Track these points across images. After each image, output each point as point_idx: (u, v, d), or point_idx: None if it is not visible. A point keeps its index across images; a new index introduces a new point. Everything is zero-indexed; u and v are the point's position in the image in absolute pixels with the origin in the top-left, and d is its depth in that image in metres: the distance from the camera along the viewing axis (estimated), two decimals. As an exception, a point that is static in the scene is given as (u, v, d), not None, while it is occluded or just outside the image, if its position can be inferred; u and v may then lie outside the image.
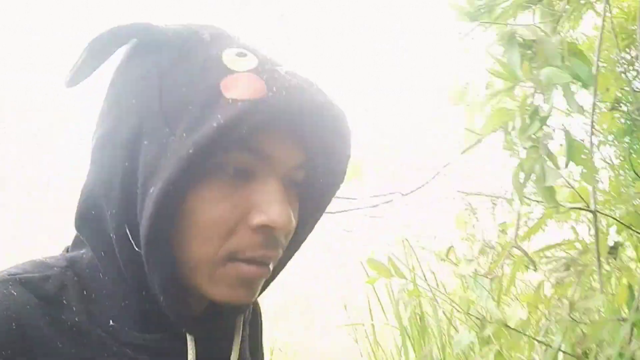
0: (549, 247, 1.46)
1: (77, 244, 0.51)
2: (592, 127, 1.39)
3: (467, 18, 1.04)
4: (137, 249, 0.44)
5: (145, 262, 0.44)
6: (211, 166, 0.43)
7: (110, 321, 0.46)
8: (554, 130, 1.13)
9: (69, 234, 0.53)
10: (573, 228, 1.61)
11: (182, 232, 0.44)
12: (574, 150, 1.14)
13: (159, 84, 0.44)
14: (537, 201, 1.42)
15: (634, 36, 1.63)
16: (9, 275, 0.44)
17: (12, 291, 0.43)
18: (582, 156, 1.14)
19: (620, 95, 1.66)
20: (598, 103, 1.64)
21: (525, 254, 1.36)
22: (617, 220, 1.48)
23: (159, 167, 0.42)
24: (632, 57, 1.63)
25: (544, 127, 1.14)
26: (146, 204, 0.42)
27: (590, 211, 1.43)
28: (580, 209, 1.42)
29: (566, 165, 1.11)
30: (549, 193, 1.13)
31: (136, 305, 0.47)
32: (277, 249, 0.47)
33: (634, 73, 1.61)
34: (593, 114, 1.37)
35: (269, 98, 0.42)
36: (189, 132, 0.41)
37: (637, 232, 1.50)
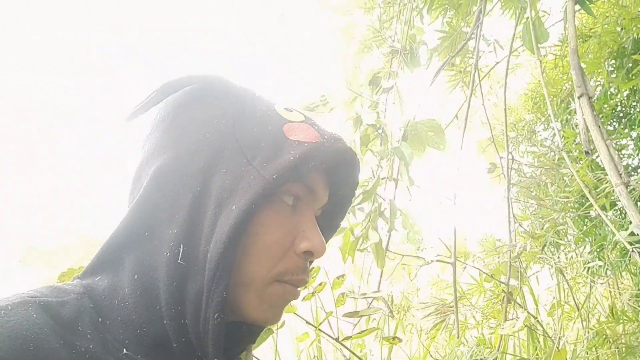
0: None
1: (90, 272, 0.51)
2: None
3: (306, 110, 1.23)
4: (187, 262, 0.47)
5: (209, 273, 0.46)
6: (279, 194, 0.51)
7: (124, 349, 0.46)
8: (384, 199, 1.32)
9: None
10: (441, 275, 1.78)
11: (243, 251, 0.48)
12: (403, 217, 1.33)
13: (233, 123, 0.51)
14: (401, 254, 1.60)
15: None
16: (29, 297, 0.45)
17: (32, 313, 0.43)
18: (409, 221, 1.33)
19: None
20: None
21: (386, 303, 1.54)
22: (479, 270, 1.66)
23: (236, 190, 0.48)
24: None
25: (378, 197, 1.33)
26: (221, 222, 0.47)
27: (450, 263, 1.60)
28: (441, 261, 1.59)
29: (389, 230, 1.30)
30: (378, 253, 1.32)
31: (153, 333, 0.47)
32: (308, 274, 0.54)
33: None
34: (456, 184, 1.54)
35: (325, 143, 0.52)
36: (268, 162, 0.49)
37: (499, 281, 1.67)
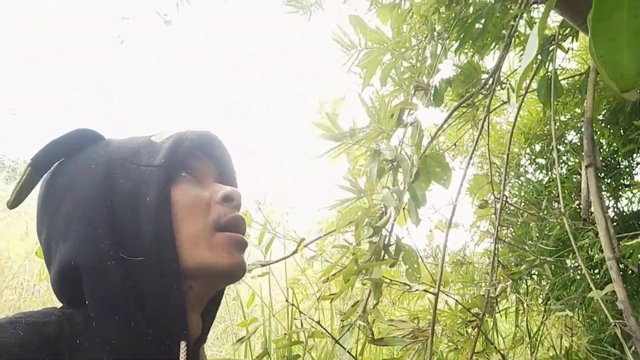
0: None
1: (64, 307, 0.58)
2: (449, 225, 1.62)
3: (333, 139, 1.24)
4: (132, 257, 0.55)
5: (152, 253, 0.55)
6: (176, 174, 0.61)
7: None
8: (389, 232, 1.35)
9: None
10: (430, 301, 1.86)
11: (175, 222, 0.58)
12: (405, 253, 1.37)
13: (110, 150, 0.62)
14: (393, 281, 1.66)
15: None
16: (16, 318, 0.50)
17: (20, 331, 0.48)
18: (411, 258, 1.37)
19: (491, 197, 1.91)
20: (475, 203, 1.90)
21: (369, 327, 1.60)
22: (456, 301, 1.74)
23: (140, 187, 0.58)
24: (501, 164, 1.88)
25: (384, 230, 1.36)
26: (143, 213, 0.56)
27: (433, 293, 1.67)
28: (425, 290, 1.66)
29: (391, 266, 1.34)
30: (377, 288, 1.35)
31: (126, 341, 0.53)
32: (240, 216, 0.64)
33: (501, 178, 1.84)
34: (451, 218, 1.59)
35: (187, 131, 0.65)
36: (153, 158, 0.60)
37: (472, 313, 1.76)
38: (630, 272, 2.02)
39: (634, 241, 1.80)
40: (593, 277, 1.91)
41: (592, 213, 1.37)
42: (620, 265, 1.48)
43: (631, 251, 1.81)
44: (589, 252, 2.02)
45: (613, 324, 1.22)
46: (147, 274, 0.55)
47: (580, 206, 2.21)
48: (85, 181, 0.59)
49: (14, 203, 0.59)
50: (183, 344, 0.55)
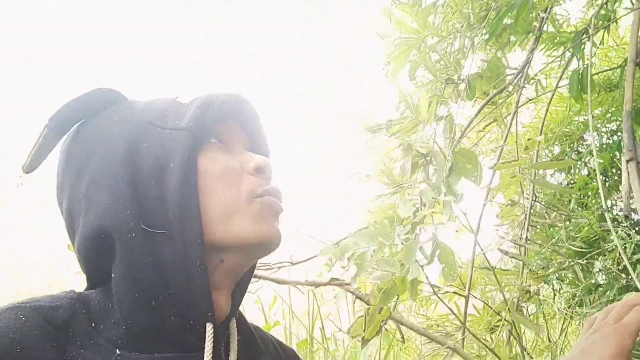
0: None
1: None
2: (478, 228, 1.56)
3: (369, 132, 1.19)
4: (153, 230, 0.51)
5: (176, 224, 0.50)
6: (204, 139, 0.56)
7: (117, 350, 0.48)
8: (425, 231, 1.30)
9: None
10: (456, 304, 1.79)
11: (205, 191, 0.53)
12: (442, 252, 1.31)
13: (132, 111, 0.58)
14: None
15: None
16: (19, 303, 0.47)
17: (21, 316, 0.45)
18: (448, 257, 1.32)
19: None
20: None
21: (399, 328, 1.54)
22: (487, 305, 1.68)
23: (165, 152, 0.53)
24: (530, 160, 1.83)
25: (420, 227, 1.30)
26: (167, 181, 0.52)
27: (464, 296, 1.60)
28: (455, 293, 1.60)
29: (428, 263, 1.28)
30: (414, 286, 1.29)
31: (146, 321, 0.49)
32: (275, 185, 0.59)
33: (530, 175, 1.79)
34: (481, 216, 1.54)
35: (215, 92, 0.59)
36: (179, 120, 0.55)
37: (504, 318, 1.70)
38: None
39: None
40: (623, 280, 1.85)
41: (634, 209, 1.31)
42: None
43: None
44: (617, 254, 1.96)
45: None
46: (170, 247, 0.51)
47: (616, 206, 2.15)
48: (107, 146, 0.55)
49: (29, 167, 0.55)
50: (209, 327, 0.51)
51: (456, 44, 1.59)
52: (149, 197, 0.52)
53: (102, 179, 0.53)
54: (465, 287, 1.71)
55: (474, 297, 1.70)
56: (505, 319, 1.66)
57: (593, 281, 2.26)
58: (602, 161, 1.92)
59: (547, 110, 1.75)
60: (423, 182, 1.21)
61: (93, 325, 0.49)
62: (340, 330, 1.49)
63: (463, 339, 1.57)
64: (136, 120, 0.56)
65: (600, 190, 1.35)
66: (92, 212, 0.52)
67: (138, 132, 0.55)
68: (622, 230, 1.96)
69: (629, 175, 1.33)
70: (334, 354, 1.83)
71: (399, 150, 1.25)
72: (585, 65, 1.59)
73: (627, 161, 1.33)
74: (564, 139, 2.68)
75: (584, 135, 2.75)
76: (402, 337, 1.54)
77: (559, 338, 2.47)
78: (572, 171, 2.57)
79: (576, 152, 2.55)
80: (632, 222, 1.67)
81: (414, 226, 1.21)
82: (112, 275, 0.51)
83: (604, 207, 1.33)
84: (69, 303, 0.49)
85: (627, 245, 1.78)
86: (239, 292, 0.61)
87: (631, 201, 1.33)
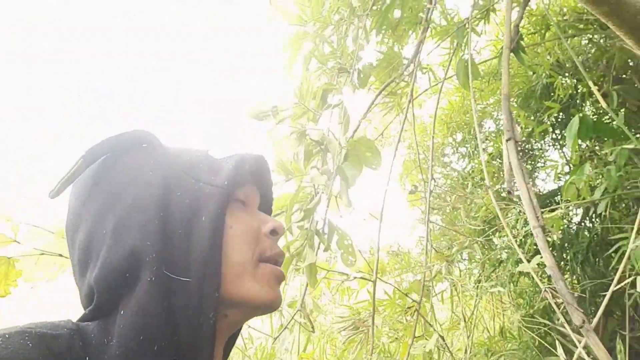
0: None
1: (81, 320, 0.54)
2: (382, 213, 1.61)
3: (256, 119, 1.17)
4: (176, 276, 0.52)
5: (196, 277, 0.52)
6: (231, 198, 0.58)
7: None
8: (321, 218, 1.31)
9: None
10: (369, 292, 1.83)
11: (225, 247, 0.55)
12: (340, 237, 1.33)
13: (169, 159, 0.59)
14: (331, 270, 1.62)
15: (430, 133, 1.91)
16: (26, 328, 0.48)
17: (29, 342, 0.46)
18: (345, 242, 1.33)
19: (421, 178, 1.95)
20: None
21: (308, 319, 1.54)
22: (395, 287, 1.73)
23: (198, 204, 0.55)
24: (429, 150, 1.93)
25: (314, 215, 1.31)
26: (196, 233, 0.54)
27: (371, 280, 1.64)
28: (363, 278, 1.63)
29: (325, 250, 1.29)
30: (312, 273, 1.30)
31: None
32: (281, 250, 0.63)
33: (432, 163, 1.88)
34: (384, 203, 1.58)
35: (246, 153, 0.63)
36: (214, 176, 0.58)
37: (411, 298, 1.76)
38: (553, 244, 2.13)
39: (553, 214, 1.89)
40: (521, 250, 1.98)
41: (515, 184, 1.40)
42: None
43: (552, 225, 1.90)
44: (514, 230, 2.11)
45: (543, 290, 1.24)
46: (186, 296, 0.52)
47: (503, 187, 2.30)
48: (139, 188, 0.57)
49: (57, 193, 0.57)
50: None
51: (349, 36, 1.62)
52: (175, 245, 0.53)
53: (132, 219, 0.54)
54: (376, 271, 1.75)
55: (383, 281, 1.74)
56: (413, 300, 1.71)
57: (498, 256, 2.41)
58: (490, 144, 2.05)
59: (439, 98, 1.84)
60: (314, 167, 1.21)
61: (87, 359, 0.49)
62: (249, 326, 1.47)
63: (373, 323, 1.60)
64: (171, 168, 0.59)
65: (485, 171, 1.44)
66: (118, 249, 0.53)
67: (172, 181, 0.57)
68: (515, 208, 2.11)
69: (508, 153, 1.42)
70: (249, 351, 1.80)
71: (292, 137, 1.25)
72: (469, 54, 1.68)
73: (507, 140, 1.42)
74: (464, 126, 2.84)
75: (482, 122, 2.93)
76: (312, 327, 1.54)
77: (473, 313, 2.61)
78: (472, 156, 2.72)
79: (476, 139, 2.70)
80: (519, 197, 1.79)
81: (307, 213, 1.21)
82: (121, 312, 0.51)
83: (487, 184, 1.41)
84: (68, 334, 0.49)
85: (517, 220, 1.92)
86: (229, 344, 0.65)
87: (512, 177, 1.43)
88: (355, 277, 1.65)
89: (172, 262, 0.53)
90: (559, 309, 1.25)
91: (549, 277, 1.28)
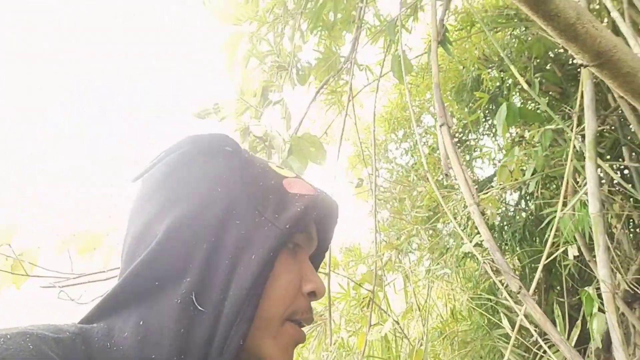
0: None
1: (85, 320, 0.52)
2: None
3: (198, 117, 1.19)
4: (201, 308, 0.48)
5: (227, 319, 0.48)
6: (288, 242, 0.54)
7: None
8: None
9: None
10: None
11: (262, 295, 0.51)
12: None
13: (241, 178, 0.55)
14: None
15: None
16: (27, 329, 0.46)
17: (29, 344, 0.44)
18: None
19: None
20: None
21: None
22: (349, 279, 1.78)
23: (252, 240, 0.51)
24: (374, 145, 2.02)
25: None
26: (240, 270, 0.49)
27: (325, 274, 1.68)
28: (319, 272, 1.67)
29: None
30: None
31: None
32: (312, 314, 0.57)
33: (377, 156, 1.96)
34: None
35: (319, 195, 0.57)
36: (278, 214, 0.53)
37: (365, 288, 1.81)
38: (492, 226, 2.26)
39: (489, 194, 2.01)
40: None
41: (451, 167, 1.49)
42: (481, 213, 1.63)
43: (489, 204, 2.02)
44: (457, 216, 2.21)
45: (482, 262, 1.33)
46: (209, 334, 0.49)
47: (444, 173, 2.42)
48: (204, 198, 0.53)
49: (137, 179, 0.57)
50: None
51: (287, 35, 1.66)
52: (215, 275, 0.50)
53: (184, 230, 0.52)
54: (329, 264, 1.79)
55: (336, 273, 1.79)
56: (368, 290, 1.76)
57: (445, 244, 2.52)
58: (430, 137, 2.15)
59: (376, 95, 1.92)
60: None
61: None
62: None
63: (330, 316, 1.64)
64: (241, 188, 0.55)
65: (423, 159, 1.52)
66: (159, 256, 0.51)
67: (237, 205, 0.53)
68: (456, 194, 2.22)
69: (443, 139, 1.51)
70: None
71: (236, 135, 1.27)
72: (401, 49, 1.76)
73: (440, 126, 1.51)
74: (404, 122, 2.95)
75: (421, 118, 3.05)
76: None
77: (426, 301, 2.71)
78: (414, 150, 2.84)
79: (418, 134, 2.81)
80: (454, 178, 1.89)
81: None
82: (131, 317, 0.50)
83: (425, 169, 1.48)
84: (71, 337, 0.48)
85: (457, 205, 2.02)
86: None
87: (448, 161, 1.51)
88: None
89: (205, 293, 0.50)
90: (496, 276, 1.33)
91: (489, 252, 1.37)
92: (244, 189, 0.55)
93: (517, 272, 2.18)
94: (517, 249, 2.29)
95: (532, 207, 2.37)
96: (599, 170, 1.60)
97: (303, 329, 0.59)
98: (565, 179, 1.48)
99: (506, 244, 2.36)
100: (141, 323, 0.49)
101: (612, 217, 1.91)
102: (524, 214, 2.41)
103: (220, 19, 1.45)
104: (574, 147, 1.56)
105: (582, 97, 1.58)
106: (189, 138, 0.57)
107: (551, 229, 1.53)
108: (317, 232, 0.61)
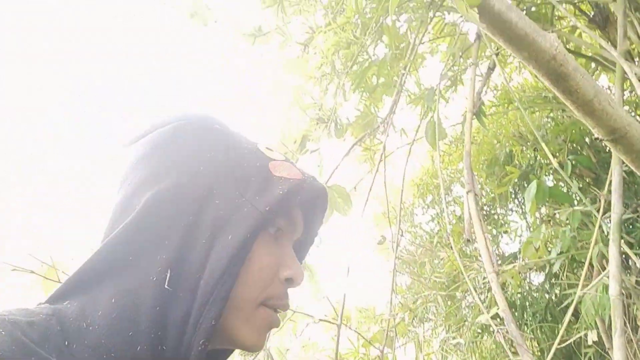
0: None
1: (59, 296, 0.51)
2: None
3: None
4: (177, 286, 0.48)
5: (201, 299, 0.48)
6: (267, 225, 0.53)
7: None
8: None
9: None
10: (333, 339, 1.87)
11: (239, 277, 0.50)
12: (310, 273, 1.39)
13: (225, 157, 0.54)
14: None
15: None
16: None
17: (1, 330, 0.43)
18: (315, 278, 1.39)
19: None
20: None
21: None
22: (359, 334, 1.77)
23: (231, 221, 0.50)
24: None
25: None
26: (217, 250, 0.49)
27: (336, 324, 1.68)
28: (328, 321, 1.68)
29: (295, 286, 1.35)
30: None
31: (123, 359, 0.47)
32: (289, 300, 0.56)
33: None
34: (350, 255, 1.67)
35: (306, 180, 0.56)
36: (259, 196, 0.52)
37: (375, 346, 1.79)
38: (514, 303, 2.21)
39: (510, 266, 1.99)
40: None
41: (474, 233, 1.51)
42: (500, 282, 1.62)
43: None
44: (476, 290, 2.19)
45: (496, 331, 1.32)
46: (183, 315, 0.49)
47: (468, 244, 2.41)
48: (186, 175, 0.53)
49: (128, 145, 0.58)
50: None
51: (330, 91, 1.77)
52: (191, 254, 0.50)
53: (163, 206, 0.51)
54: (342, 321, 1.79)
55: (347, 326, 1.78)
56: (376, 347, 1.75)
57: (463, 315, 2.47)
58: (458, 206, 2.17)
59: (408, 156, 1.98)
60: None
61: (67, 343, 0.46)
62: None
63: (336, 366, 1.62)
64: (225, 169, 0.54)
65: (448, 225, 1.55)
66: (136, 229, 0.50)
67: (219, 185, 0.53)
68: (478, 265, 2.21)
69: (468, 205, 1.54)
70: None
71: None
72: (437, 116, 1.85)
73: (467, 193, 1.55)
74: (434, 189, 2.99)
75: (451, 187, 3.08)
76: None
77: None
78: (441, 218, 2.85)
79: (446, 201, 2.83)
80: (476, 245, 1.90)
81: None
82: (104, 293, 0.49)
83: (448, 232, 1.51)
84: (44, 319, 0.46)
85: (477, 277, 2.01)
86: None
87: (472, 228, 1.54)
88: (320, 320, 1.69)
89: (181, 271, 0.49)
90: (510, 350, 1.31)
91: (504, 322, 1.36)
92: (228, 169, 0.54)
93: (534, 354, 2.10)
94: (537, 330, 2.22)
95: (557, 290, 2.32)
96: (630, 261, 1.58)
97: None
98: (587, 261, 1.47)
99: (526, 324, 2.29)
100: (114, 300, 0.48)
101: (637, 309, 1.85)
102: (547, 296, 2.35)
103: (289, 72, 1.56)
104: (601, 229, 1.56)
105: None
106: (178, 114, 0.57)
107: (570, 310, 1.50)
108: (304, 219, 0.60)
